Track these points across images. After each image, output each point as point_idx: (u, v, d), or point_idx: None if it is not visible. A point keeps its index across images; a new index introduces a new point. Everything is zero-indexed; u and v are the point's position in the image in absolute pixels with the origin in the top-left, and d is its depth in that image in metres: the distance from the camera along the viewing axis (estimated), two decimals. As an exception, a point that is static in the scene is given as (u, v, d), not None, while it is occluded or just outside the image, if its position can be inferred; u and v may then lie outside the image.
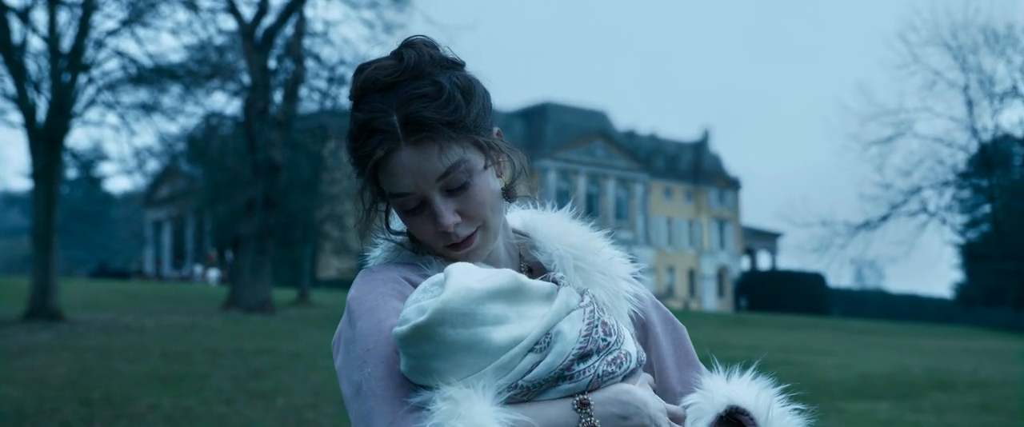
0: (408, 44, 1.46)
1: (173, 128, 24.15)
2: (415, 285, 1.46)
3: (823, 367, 15.28)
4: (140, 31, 20.64)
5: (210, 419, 9.30)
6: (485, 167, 1.48)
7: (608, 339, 1.36)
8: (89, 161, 44.45)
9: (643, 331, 1.62)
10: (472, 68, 1.51)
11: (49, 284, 19.19)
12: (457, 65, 1.49)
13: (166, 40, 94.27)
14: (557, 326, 1.31)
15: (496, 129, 1.53)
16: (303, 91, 27.91)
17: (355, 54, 27.92)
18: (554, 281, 1.41)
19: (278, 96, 27.51)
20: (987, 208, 33.76)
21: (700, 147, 73.95)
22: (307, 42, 27.26)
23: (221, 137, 30.12)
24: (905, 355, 19.60)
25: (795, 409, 1.54)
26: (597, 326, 1.35)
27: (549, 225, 1.65)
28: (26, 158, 31.28)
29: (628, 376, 1.38)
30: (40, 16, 19.97)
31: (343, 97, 29.53)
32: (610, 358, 1.35)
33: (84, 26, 19.68)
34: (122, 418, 9.15)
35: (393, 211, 1.56)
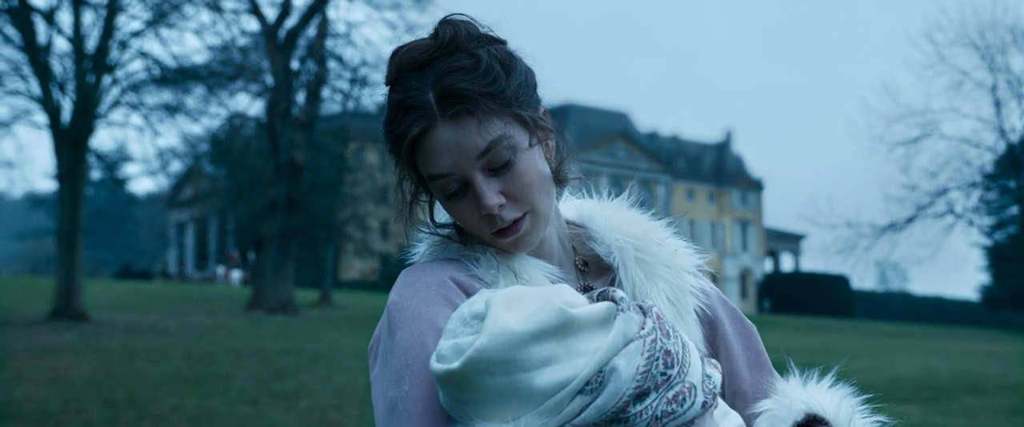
0: (445, 21, 1.38)
1: (196, 129, 24.30)
2: (461, 286, 1.36)
3: (853, 371, 15.11)
4: (164, 32, 20.74)
5: (233, 420, 9.28)
6: (530, 145, 1.37)
7: (669, 372, 1.18)
8: (113, 162, 44.61)
9: (711, 329, 1.51)
10: (515, 47, 1.42)
11: (74, 284, 19.28)
12: (497, 41, 1.40)
13: (190, 41, 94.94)
14: (612, 362, 1.16)
15: (543, 108, 1.43)
16: (326, 92, 28.00)
17: (377, 55, 27.99)
18: (612, 299, 1.24)
19: (301, 97, 27.59)
20: (1015, 209, 33.40)
21: (722, 148, 73.63)
22: (330, 43, 27.34)
23: (244, 138, 30.24)
24: (932, 358, 19.38)
25: (878, 421, 1.43)
26: (658, 357, 1.18)
27: (606, 214, 1.54)
28: (51, 159, 31.45)
29: (696, 416, 1.20)
30: (65, 17, 20.06)
31: (366, 98, 29.59)
32: (670, 395, 1.18)
33: (109, 27, 19.78)
34: (145, 418, 9.14)
35: (438, 203, 1.46)
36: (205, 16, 22.16)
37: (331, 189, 33.44)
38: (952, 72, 26.06)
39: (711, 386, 1.24)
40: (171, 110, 21.54)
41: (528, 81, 1.40)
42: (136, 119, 20.63)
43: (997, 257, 40.77)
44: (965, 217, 26.32)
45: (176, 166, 33.94)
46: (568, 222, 1.54)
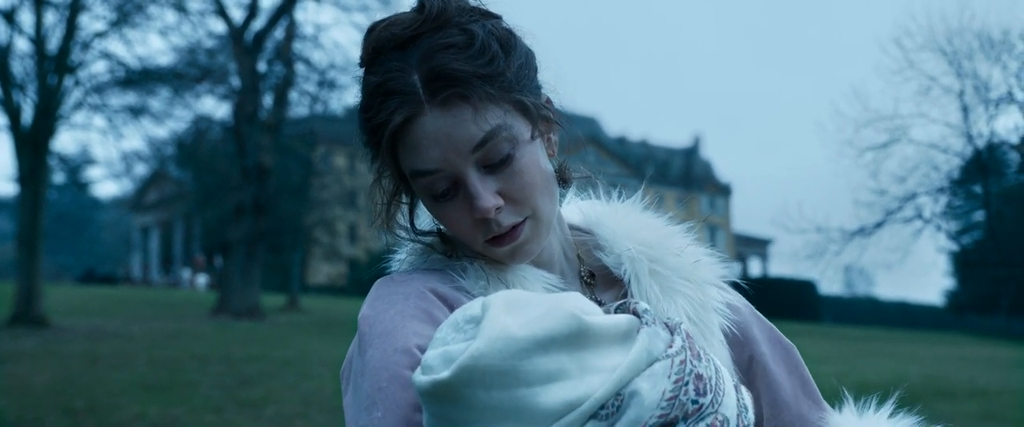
0: None
1: (161, 132, 23.94)
2: (444, 299, 1.16)
3: (824, 375, 15.06)
4: (128, 33, 20.41)
5: (197, 429, 9.07)
6: (532, 138, 1.17)
7: (700, 400, 1.00)
8: (76, 165, 44.08)
9: (741, 351, 1.29)
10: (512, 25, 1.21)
11: (34, 289, 18.92)
12: (491, 16, 1.19)
13: (155, 43, 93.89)
14: (633, 384, 0.98)
15: (546, 96, 1.23)
16: (293, 95, 27.76)
17: (346, 58, 27.80)
18: (634, 312, 1.06)
19: (268, 100, 27.33)
20: (981, 214, 33.73)
21: (691, 153, 74.07)
22: (297, 46, 27.12)
23: (210, 141, 29.94)
24: (902, 362, 19.47)
25: None
26: (687, 382, 1.00)
27: (616, 219, 1.33)
28: (11, 162, 30.94)
29: None
30: (26, 17, 19.67)
31: (334, 101, 29.38)
32: (702, 426, 1.01)
33: (71, 27, 19.44)
34: (106, 426, 8.91)
35: (420, 204, 1.25)
36: (170, 17, 21.81)
37: (299, 193, 33.19)
38: (920, 77, 26.22)
39: (747, 422, 1.05)
40: (135, 112, 21.22)
41: (529, 63, 1.20)
42: (99, 121, 20.24)
43: (962, 262, 41.14)
44: (933, 222, 26.51)
45: (141, 169, 33.57)
46: (572, 227, 1.35)
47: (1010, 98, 25.51)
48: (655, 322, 1.04)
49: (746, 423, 1.06)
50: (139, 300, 29.77)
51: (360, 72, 1.20)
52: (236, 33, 25.43)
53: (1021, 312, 48.91)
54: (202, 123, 27.51)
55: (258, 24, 25.92)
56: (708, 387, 1.02)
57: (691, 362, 1.02)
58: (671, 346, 1.02)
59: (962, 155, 26.16)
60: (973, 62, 25.55)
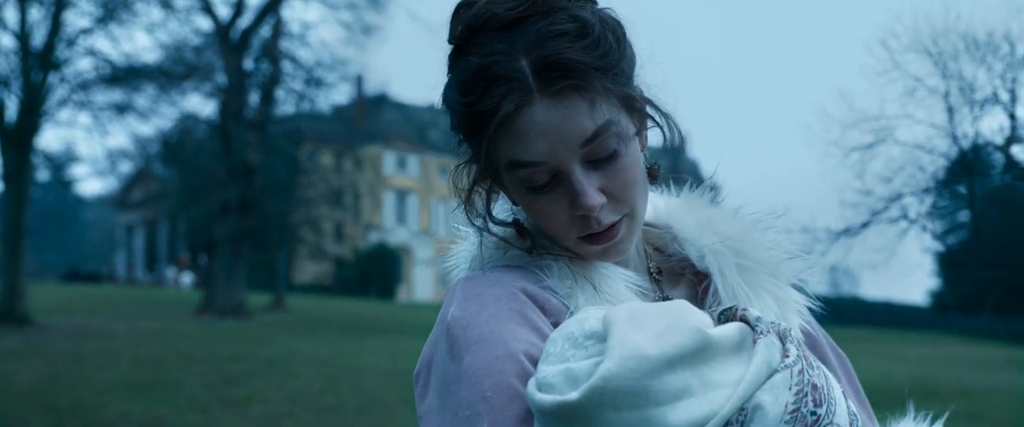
0: None
1: (147, 129, 23.80)
2: (535, 299, 1.10)
3: (807, 375, 15.15)
4: (114, 30, 20.29)
5: (183, 428, 9.01)
6: (635, 135, 1.13)
7: (817, 411, 0.97)
8: (60, 163, 43.83)
9: (817, 353, 1.25)
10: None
11: (18, 288, 18.79)
12: (593, 1, 1.13)
13: (141, 40, 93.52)
14: (755, 397, 0.94)
15: (641, 90, 1.16)
16: (280, 93, 27.69)
17: (332, 56, 27.75)
18: (743, 320, 1.01)
19: (254, 98, 27.24)
20: (966, 215, 33.94)
21: (678, 152, 73.95)
22: (284, 43, 27.04)
23: (196, 139, 29.81)
24: (889, 363, 19.51)
25: None
26: (806, 393, 0.97)
27: (693, 211, 1.27)
28: (-4, 159, 30.76)
29: None
30: (10, 13, 19.54)
31: (320, 100, 29.32)
32: None
33: (56, 24, 19.32)
34: (91, 425, 8.83)
35: (497, 196, 1.19)
36: (156, 14, 21.68)
37: (284, 191, 33.08)
38: (906, 78, 26.13)
39: None
40: (121, 110, 21.10)
41: (634, 56, 1.14)
42: (84, 118, 20.09)
43: (948, 262, 41.37)
44: (919, 222, 26.57)
45: (125, 167, 33.41)
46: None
47: (995, 99, 25.62)
48: (769, 331, 1.00)
49: None
50: (123, 299, 29.62)
51: (445, 50, 1.14)
52: (222, 30, 25.32)
53: (1006, 312, 49.16)
54: (188, 121, 27.39)
55: (245, 21, 25.85)
56: (823, 397, 0.99)
57: (807, 372, 0.99)
58: (787, 356, 0.98)
59: (947, 156, 26.34)
60: (958, 63, 25.66)
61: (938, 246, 33.18)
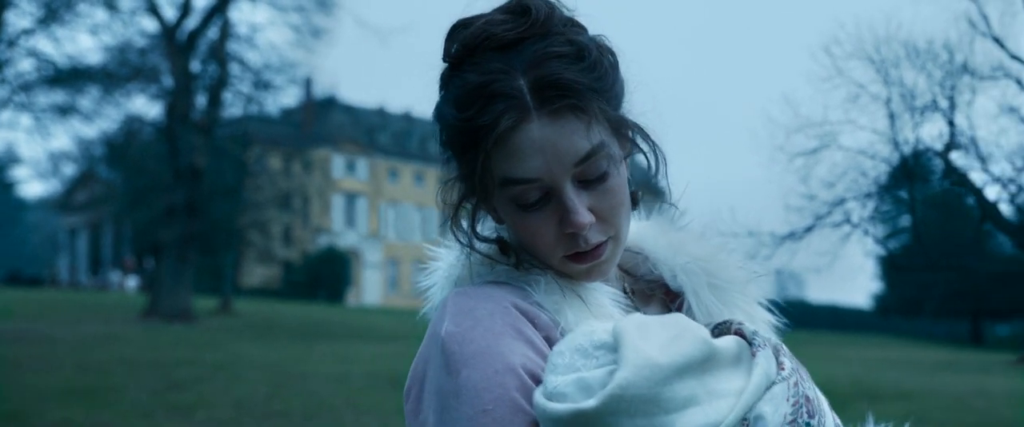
0: None
1: (90, 131, 23.45)
2: (526, 314, 1.12)
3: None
4: (57, 30, 19.98)
5: (126, 434, 8.92)
6: (624, 158, 1.16)
7: (812, 422, 1.02)
8: (2, 165, 43.03)
9: None
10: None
11: (-44, 292, 18.44)
12: (586, 30, 1.17)
13: (85, 41, 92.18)
14: (757, 407, 0.99)
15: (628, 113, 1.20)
16: (227, 96, 27.42)
17: (281, 59, 27.59)
18: (739, 333, 1.07)
19: (201, 100, 26.98)
20: (907, 219, 34.51)
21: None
22: (232, 46, 26.81)
23: (142, 141, 29.43)
24: (830, 365, 19.81)
25: None
26: (801, 406, 1.02)
27: (662, 234, 1.30)
28: (-66, 161, 30.17)
29: None
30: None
31: (269, 103, 29.10)
32: None
33: (-4, 24, 19.01)
34: (31, 434, 8.73)
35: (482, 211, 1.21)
36: (100, 15, 21.38)
37: (232, 194, 32.76)
38: (849, 85, 26.65)
39: None
40: (63, 111, 20.78)
41: (625, 82, 1.18)
42: (25, 120, 19.69)
43: (890, 266, 42.06)
44: (861, 227, 27.04)
45: (69, 169, 32.87)
46: None
47: (935, 106, 26.12)
48: (766, 345, 1.04)
49: None
50: (66, 303, 29.15)
51: (437, 69, 1.17)
52: (169, 32, 25.07)
53: (944, 315, 50.16)
54: (134, 123, 27.04)
55: (191, 23, 25.61)
56: (815, 408, 1.03)
57: (801, 384, 1.03)
58: (782, 368, 1.03)
59: (889, 161, 26.84)
60: (899, 70, 26.09)
61: (880, 250, 33.79)
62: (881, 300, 55.60)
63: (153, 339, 18.27)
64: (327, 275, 51.90)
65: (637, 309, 1.24)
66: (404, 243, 67.62)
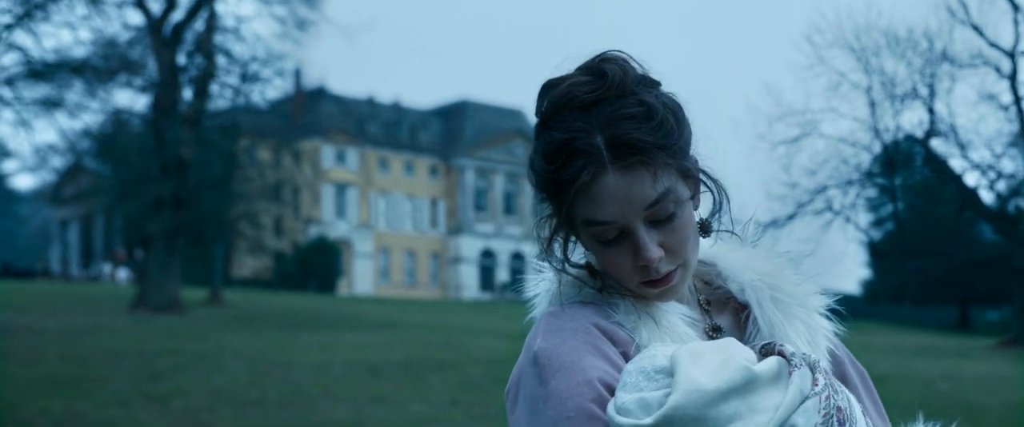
0: (606, 58, 1.33)
1: (76, 125, 23.52)
2: (605, 332, 1.34)
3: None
4: (40, 25, 20.06)
5: (101, 423, 9.10)
6: (689, 197, 1.35)
7: None
8: (-8, 157, 43.05)
9: (840, 369, 1.49)
10: (668, 88, 1.37)
11: (-56, 285, 18.57)
12: (657, 84, 1.36)
13: (70, 35, 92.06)
14: (791, 419, 1.16)
15: (695, 158, 1.39)
16: (214, 88, 27.50)
17: (267, 51, 27.67)
18: (781, 354, 1.24)
19: (188, 93, 27.07)
20: (891, 207, 34.71)
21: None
22: (218, 38, 26.88)
23: (129, 134, 29.52)
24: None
25: None
26: (832, 415, 1.19)
27: (735, 252, 1.49)
28: (-77, 154, 30.26)
29: None
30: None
31: (255, 94, 29.18)
32: None
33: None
34: (8, 423, 8.90)
35: (572, 242, 1.43)
36: (82, 9, 21.43)
37: (221, 186, 32.87)
38: (830, 73, 26.91)
39: None
40: (49, 105, 20.86)
41: (691, 130, 1.37)
42: (8, 114, 19.73)
43: (876, 253, 42.30)
44: (843, 214, 27.25)
45: (58, 162, 32.96)
46: None
47: (915, 94, 26.29)
48: (802, 363, 1.21)
49: None
50: (56, 295, 29.30)
51: (530, 121, 1.39)
52: (155, 25, 25.16)
53: (932, 302, 50.41)
54: (121, 116, 27.13)
55: (177, 16, 25.69)
56: (846, 417, 1.20)
57: (833, 397, 1.20)
58: (816, 384, 1.19)
59: (870, 149, 27.00)
60: (880, 59, 26.28)
61: (862, 237, 34.03)
62: (870, 287, 55.87)
63: (139, 330, 18.43)
64: (318, 265, 52.05)
65: (710, 320, 1.47)
66: (395, 233, 67.75)
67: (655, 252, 1.30)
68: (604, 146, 1.26)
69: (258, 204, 37.12)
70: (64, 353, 14.04)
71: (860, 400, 1.46)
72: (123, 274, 44.04)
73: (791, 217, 26.40)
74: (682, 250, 1.33)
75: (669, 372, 1.19)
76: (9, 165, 52.63)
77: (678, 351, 1.20)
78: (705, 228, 1.43)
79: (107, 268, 47.57)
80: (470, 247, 69.29)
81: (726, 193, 1.41)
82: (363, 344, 17.25)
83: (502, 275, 67.73)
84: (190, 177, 26.60)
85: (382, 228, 67.01)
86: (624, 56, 1.34)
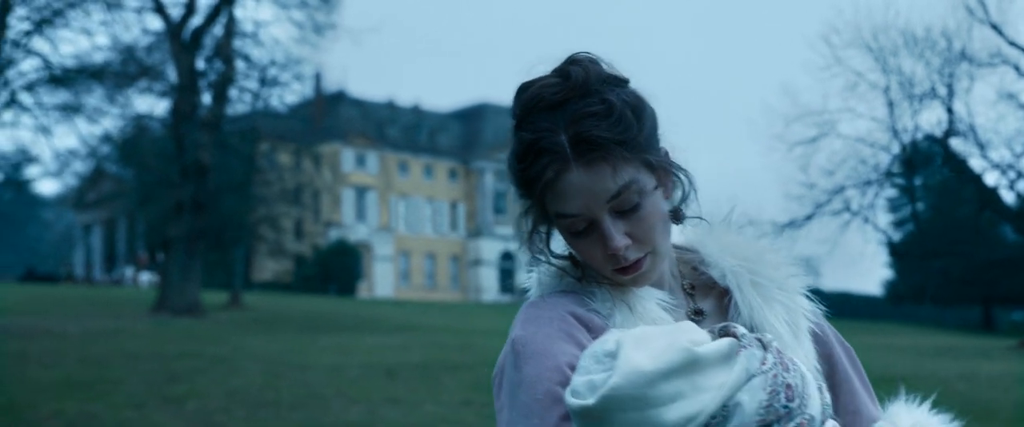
0: (572, 61, 1.41)
1: (96, 130, 23.73)
2: (580, 320, 1.42)
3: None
4: (61, 32, 20.26)
5: (114, 424, 9.18)
6: (655, 188, 1.41)
7: (790, 405, 1.25)
8: (16, 163, 43.44)
9: (824, 347, 1.55)
10: (636, 84, 1.45)
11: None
12: (623, 82, 1.43)
13: (89, 41, 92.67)
14: (736, 397, 1.21)
15: (664, 148, 1.46)
16: (233, 92, 27.67)
17: (286, 55, 27.82)
18: (734, 335, 1.28)
19: (207, 98, 27.25)
20: (911, 207, 34.52)
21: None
22: (237, 43, 27.06)
23: (149, 139, 29.76)
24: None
25: None
26: (779, 392, 1.24)
27: (716, 238, 1.56)
28: (-52, 160, 30.62)
29: None
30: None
31: (275, 98, 29.37)
32: (792, 426, 1.26)
33: (1, 24, 19.29)
34: (20, 424, 8.99)
35: (555, 233, 1.50)
36: (102, 15, 21.63)
37: (241, 190, 33.06)
38: (847, 73, 26.82)
39: (829, 415, 1.32)
40: (69, 111, 21.07)
41: (654, 124, 1.44)
42: (28, 120, 19.95)
43: (897, 253, 42.06)
44: (861, 214, 27.12)
45: (80, 167, 33.24)
46: (675, 246, 1.57)
47: (933, 94, 26.14)
48: (752, 344, 1.26)
49: (830, 416, 1.31)
50: (79, 299, 29.57)
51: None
52: (174, 30, 25.35)
53: (955, 302, 50.04)
54: (142, 121, 27.35)
55: (196, 21, 25.87)
56: (796, 394, 1.25)
57: (781, 375, 1.25)
58: (764, 363, 1.24)
59: (889, 149, 26.87)
60: (898, 58, 26.17)
61: (882, 238, 33.83)
62: (892, 287, 55.50)
63: (159, 333, 18.58)
64: (338, 268, 52.25)
65: (694, 304, 1.54)
66: (415, 236, 67.88)
67: (621, 241, 1.37)
68: (568, 144, 1.34)
69: (278, 208, 37.32)
70: (83, 355, 14.17)
71: (848, 377, 1.55)
72: (145, 278, 44.38)
73: (809, 218, 26.34)
74: (649, 238, 1.40)
75: (614, 355, 1.23)
76: (33, 171, 53.19)
77: (623, 336, 1.26)
78: (677, 216, 1.48)
79: (130, 272, 47.93)
80: (490, 250, 69.37)
81: (693, 181, 1.47)
82: (380, 346, 17.33)
83: (522, 277, 67.62)
84: (210, 181, 26.78)
85: (402, 231, 67.18)
86: (591, 57, 1.42)
